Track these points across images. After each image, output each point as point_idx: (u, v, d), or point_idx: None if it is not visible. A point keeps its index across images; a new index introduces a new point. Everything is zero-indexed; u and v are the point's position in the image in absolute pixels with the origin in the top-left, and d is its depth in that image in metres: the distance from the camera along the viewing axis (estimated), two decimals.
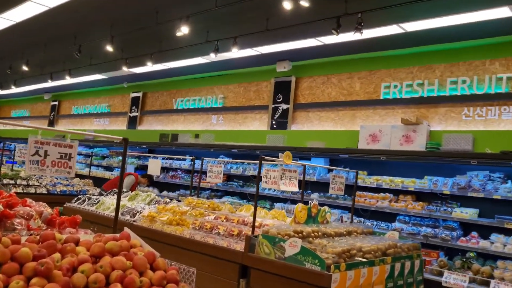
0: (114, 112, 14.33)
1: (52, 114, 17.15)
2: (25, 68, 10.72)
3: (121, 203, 6.80)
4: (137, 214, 6.11)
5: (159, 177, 11.07)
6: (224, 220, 5.33)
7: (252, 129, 10.21)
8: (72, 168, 3.19)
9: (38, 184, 9.21)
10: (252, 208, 6.15)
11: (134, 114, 13.33)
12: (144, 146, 12.00)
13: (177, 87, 12.20)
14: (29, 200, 3.67)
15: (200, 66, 10.22)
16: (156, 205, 6.58)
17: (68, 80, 13.60)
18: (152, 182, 10.23)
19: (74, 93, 16.18)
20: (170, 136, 11.51)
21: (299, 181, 5.28)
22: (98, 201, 6.92)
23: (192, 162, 11.29)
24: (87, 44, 8.73)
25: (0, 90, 15.71)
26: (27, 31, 8.73)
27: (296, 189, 5.13)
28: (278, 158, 4.94)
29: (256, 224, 4.94)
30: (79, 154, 14.57)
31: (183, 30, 6.61)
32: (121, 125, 14.01)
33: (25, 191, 8.66)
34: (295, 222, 5.13)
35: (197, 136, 10.81)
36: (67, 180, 10.07)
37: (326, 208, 5.51)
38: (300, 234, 4.51)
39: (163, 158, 11.02)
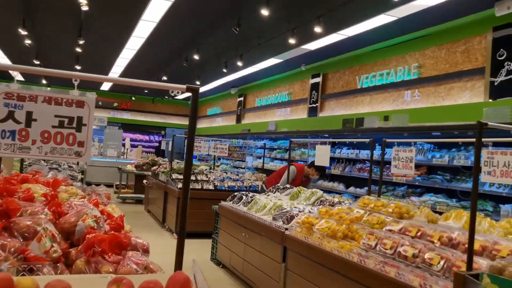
0: (294, 100, 13.07)
1: (239, 108, 16.97)
2: (196, 57, 10.19)
3: (279, 202, 5.24)
4: (294, 218, 4.44)
5: (344, 170, 9.33)
6: (418, 236, 3.22)
7: (460, 103, 7.55)
8: (85, 145, 1.66)
9: (207, 179, 8.42)
10: (466, 214, 3.84)
11: (314, 100, 11.79)
12: (327, 135, 10.36)
13: (361, 61, 10.17)
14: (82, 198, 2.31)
15: (385, 29, 8.01)
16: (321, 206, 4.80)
17: (249, 70, 12.90)
18: (324, 174, 8.31)
19: (257, 84, 15.57)
20: (355, 121, 9.59)
21: None
22: (252, 200, 5.51)
23: (371, 152, 9.27)
24: (247, 17, 7.50)
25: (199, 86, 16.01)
26: (193, 12, 7.97)
27: None
28: None
29: (477, 247, 2.74)
30: (263, 148, 13.83)
31: None
32: (301, 113, 12.67)
33: (191, 187, 7.92)
34: None
35: (386, 118, 8.63)
36: (237, 175, 9.11)
37: None
38: None
39: (348, 148, 9.22)
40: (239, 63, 10.32)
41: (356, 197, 8.71)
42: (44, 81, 16.79)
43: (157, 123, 21.97)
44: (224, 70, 11.36)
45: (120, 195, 11.94)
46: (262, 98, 15.23)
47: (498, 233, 3.35)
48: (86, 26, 8.97)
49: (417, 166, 7.52)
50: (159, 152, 19.84)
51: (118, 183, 12.82)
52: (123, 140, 17.90)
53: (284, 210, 4.70)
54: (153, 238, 7.85)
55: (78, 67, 13.10)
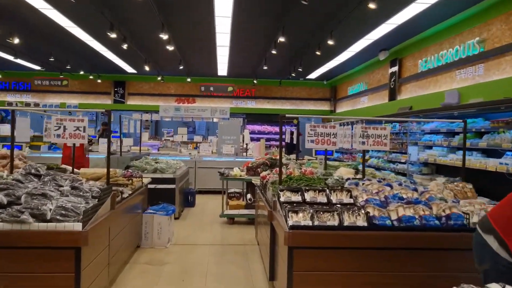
0: (491, 50, 7.89)
1: (392, 80, 12.13)
2: None
3: None
4: None
5: None
6: None
7: None
8: None
9: (351, 200, 4.11)
10: None
11: None
12: None
13: None
14: None
15: None
16: None
17: (404, 15, 8.22)
18: None
19: (419, 40, 10.58)
20: None
21: None
22: None
23: None
24: None
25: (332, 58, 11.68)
26: None
27: None
28: None
29: None
30: (437, 133, 8.92)
31: None
32: (509, 69, 7.49)
33: (320, 224, 3.71)
34: None
35: None
36: (415, 190, 4.59)
37: None
38: None
39: None
40: None
41: None
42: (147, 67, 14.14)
43: (288, 110, 18.09)
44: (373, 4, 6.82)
45: (225, 213, 8.22)
46: (429, 58, 10.20)
47: None
48: None
49: None
50: (292, 148, 15.80)
51: (231, 191, 9.27)
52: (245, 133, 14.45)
53: None
54: None
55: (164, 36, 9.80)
